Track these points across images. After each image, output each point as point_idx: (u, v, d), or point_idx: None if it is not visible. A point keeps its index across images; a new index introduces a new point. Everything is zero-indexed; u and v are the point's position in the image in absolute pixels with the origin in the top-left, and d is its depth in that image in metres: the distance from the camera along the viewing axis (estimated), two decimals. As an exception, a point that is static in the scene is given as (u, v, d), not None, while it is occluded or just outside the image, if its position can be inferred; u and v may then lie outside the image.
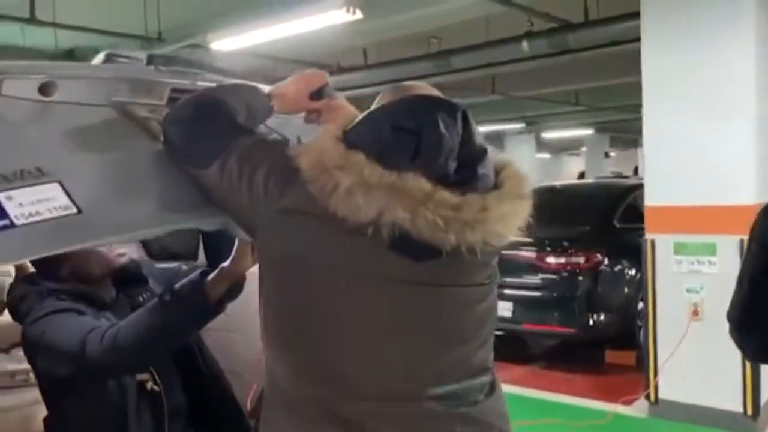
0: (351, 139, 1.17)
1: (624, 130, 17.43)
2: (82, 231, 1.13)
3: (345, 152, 1.14)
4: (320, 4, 3.93)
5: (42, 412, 1.90)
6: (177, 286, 1.60)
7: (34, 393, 1.99)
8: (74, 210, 1.14)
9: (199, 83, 1.68)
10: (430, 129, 1.14)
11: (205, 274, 1.60)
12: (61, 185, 1.17)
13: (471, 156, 1.16)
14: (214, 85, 1.55)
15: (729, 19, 3.96)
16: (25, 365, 2.62)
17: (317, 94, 1.53)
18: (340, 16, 3.90)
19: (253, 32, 4.14)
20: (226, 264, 1.60)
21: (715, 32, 4.03)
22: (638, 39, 4.31)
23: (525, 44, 5.61)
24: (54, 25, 5.45)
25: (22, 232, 1.06)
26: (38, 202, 1.12)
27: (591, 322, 5.32)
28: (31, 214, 1.09)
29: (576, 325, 5.35)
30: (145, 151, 1.40)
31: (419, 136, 1.14)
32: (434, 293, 1.17)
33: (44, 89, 1.39)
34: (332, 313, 1.15)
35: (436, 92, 1.32)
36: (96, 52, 1.77)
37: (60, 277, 1.79)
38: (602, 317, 5.32)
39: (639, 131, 4.51)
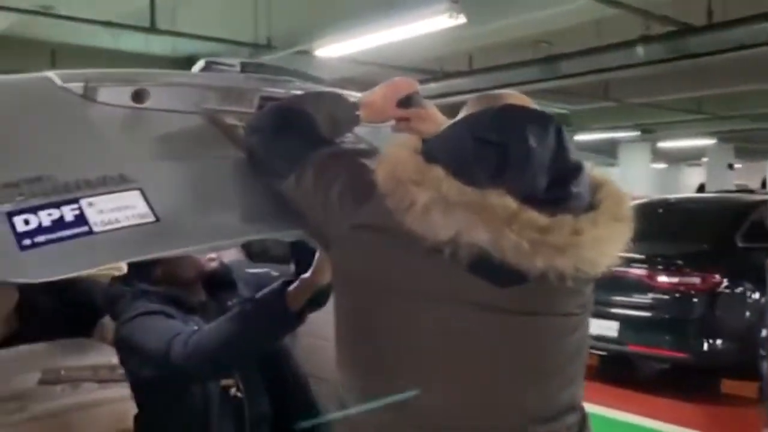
0: (430, 150, 1.10)
1: (751, 140, 16.21)
2: (159, 240, 1.12)
3: (422, 165, 1.06)
4: (423, 10, 3.88)
5: (135, 409, 1.96)
6: (259, 294, 1.59)
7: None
8: (152, 218, 1.13)
9: (291, 91, 1.69)
10: (518, 142, 1.04)
11: (287, 283, 1.58)
12: (142, 193, 1.17)
13: (564, 173, 1.05)
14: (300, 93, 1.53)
15: None
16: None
17: (405, 102, 1.48)
18: (443, 22, 3.83)
19: (357, 39, 4.14)
20: (306, 275, 1.58)
21: None
22: None
23: (640, 49, 5.29)
24: (172, 33, 5.74)
25: (100, 239, 1.07)
26: (117, 210, 1.12)
27: (705, 348, 4.93)
28: (110, 222, 1.10)
29: (689, 350, 4.97)
30: (229, 159, 1.39)
31: (505, 149, 1.04)
32: (517, 321, 1.07)
33: (137, 96, 1.42)
34: (403, 336, 1.08)
35: (528, 102, 1.22)
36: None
37: (153, 279, 1.83)
38: (719, 343, 4.92)
39: (768, 142, 4.13)
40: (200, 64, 1.75)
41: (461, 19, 3.88)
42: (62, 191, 1.11)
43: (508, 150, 1.04)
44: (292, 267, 2.29)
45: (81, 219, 1.08)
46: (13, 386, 2.54)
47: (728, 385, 5.27)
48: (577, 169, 1.07)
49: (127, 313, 1.75)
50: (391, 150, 1.14)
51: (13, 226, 1.03)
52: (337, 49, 4.79)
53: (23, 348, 3.15)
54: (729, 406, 5.02)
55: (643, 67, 5.55)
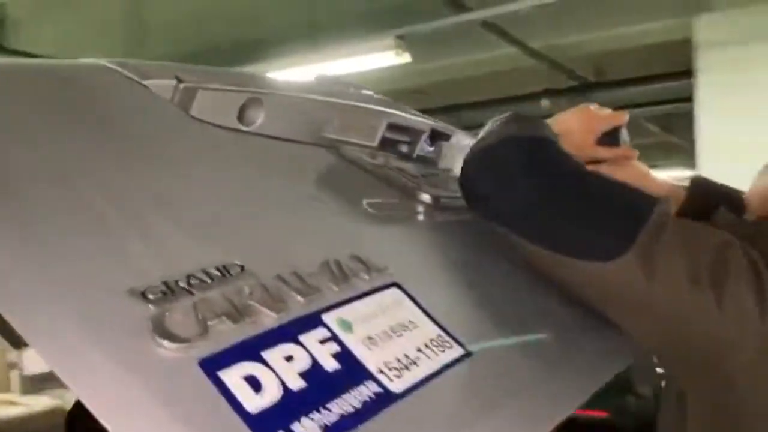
0: None
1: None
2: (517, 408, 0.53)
3: None
4: (360, 45, 3.45)
5: None
6: None
7: None
8: (458, 349, 0.55)
9: (413, 118, 1.18)
10: None
11: None
12: (403, 290, 0.58)
13: None
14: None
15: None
16: None
17: (610, 139, 1.05)
18: (388, 59, 3.42)
19: (294, 69, 3.54)
20: None
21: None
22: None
23: (545, 102, 5.28)
24: (17, 53, 4.72)
25: (411, 409, 0.47)
26: (393, 333, 0.53)
27: None
28: (403, 366, 0.50)
29: None
30: (423, 225, 0.83)
31: None
32: None
33: (246, 112, 0.84)
34: None
35: None
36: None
37: None
38: None
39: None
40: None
41: (406, 57, 3.50)
42: (282, 298, 0.49)
43: None
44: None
45: (351, 362, 0.47)
46: None
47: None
48: None
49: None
50: None
51: (230, 398, 0.41)
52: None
53: None
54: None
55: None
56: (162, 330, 0.43)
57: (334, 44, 3.50)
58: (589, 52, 5.23)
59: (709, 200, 0.93)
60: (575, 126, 1.00)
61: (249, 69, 3.61)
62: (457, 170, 1.25)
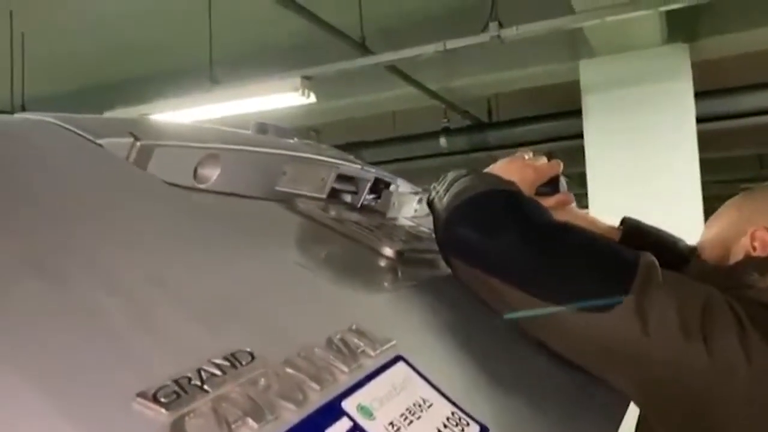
0: None
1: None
2: None
3: None
4: (271, 84, 3.40)
5: None
6: None
7: None
8: (475, 427, 0.52)
9: (358, 167, 1.16)
10: None
11: None
12: (409, 365, 0.55)
13: None
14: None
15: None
16: None
17: (550, 189, 1.08)
18: (292, 99, 3.39)
19: (195, 108, 3.41)
20: None
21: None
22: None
23: (443, 140, 5.42)
24: None
25: None
26: (412, 416, 0.49)
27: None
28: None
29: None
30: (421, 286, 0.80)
31: None
32: None
33: (203, 169, 0.79)
34: None
35: None
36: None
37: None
38: None
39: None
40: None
41: (312, 98, 3.49)
42: (299, 387, 0.45)
43: None
44: None
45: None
46: None
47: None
48: None
49: None
50: None
51: None
52: (177, 115, 3.76)
53: None
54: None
55: (443, 158, 5.71)
56: (184, 439, 0.37)
57: (236, 83, 3.43)
58: (481, 94, 5.44)
59: (642, 242, 0.97)
60: (516, 177, 1.01)
61: (143, 108, 3.46)
62: (404, 217, 1.24)
